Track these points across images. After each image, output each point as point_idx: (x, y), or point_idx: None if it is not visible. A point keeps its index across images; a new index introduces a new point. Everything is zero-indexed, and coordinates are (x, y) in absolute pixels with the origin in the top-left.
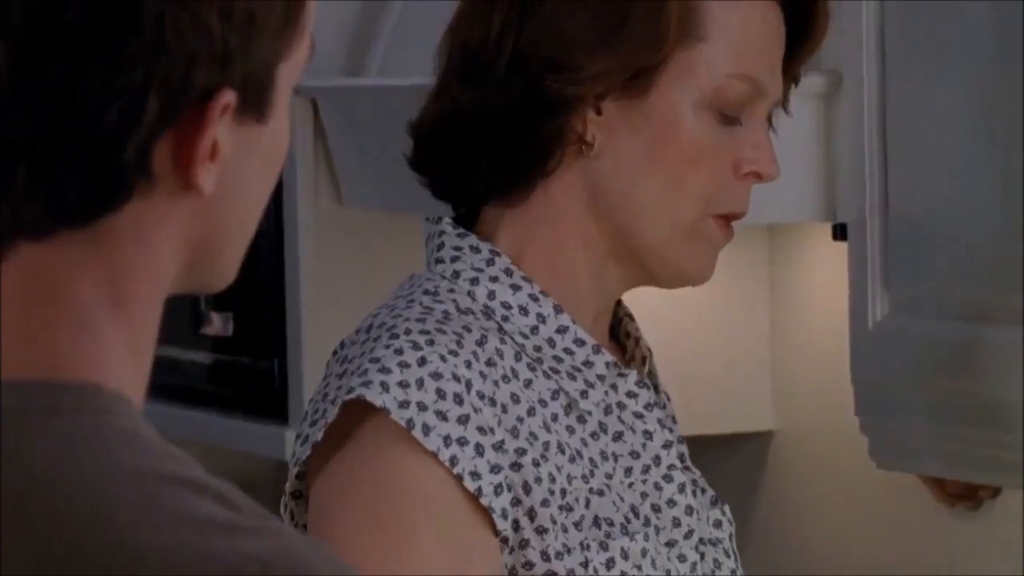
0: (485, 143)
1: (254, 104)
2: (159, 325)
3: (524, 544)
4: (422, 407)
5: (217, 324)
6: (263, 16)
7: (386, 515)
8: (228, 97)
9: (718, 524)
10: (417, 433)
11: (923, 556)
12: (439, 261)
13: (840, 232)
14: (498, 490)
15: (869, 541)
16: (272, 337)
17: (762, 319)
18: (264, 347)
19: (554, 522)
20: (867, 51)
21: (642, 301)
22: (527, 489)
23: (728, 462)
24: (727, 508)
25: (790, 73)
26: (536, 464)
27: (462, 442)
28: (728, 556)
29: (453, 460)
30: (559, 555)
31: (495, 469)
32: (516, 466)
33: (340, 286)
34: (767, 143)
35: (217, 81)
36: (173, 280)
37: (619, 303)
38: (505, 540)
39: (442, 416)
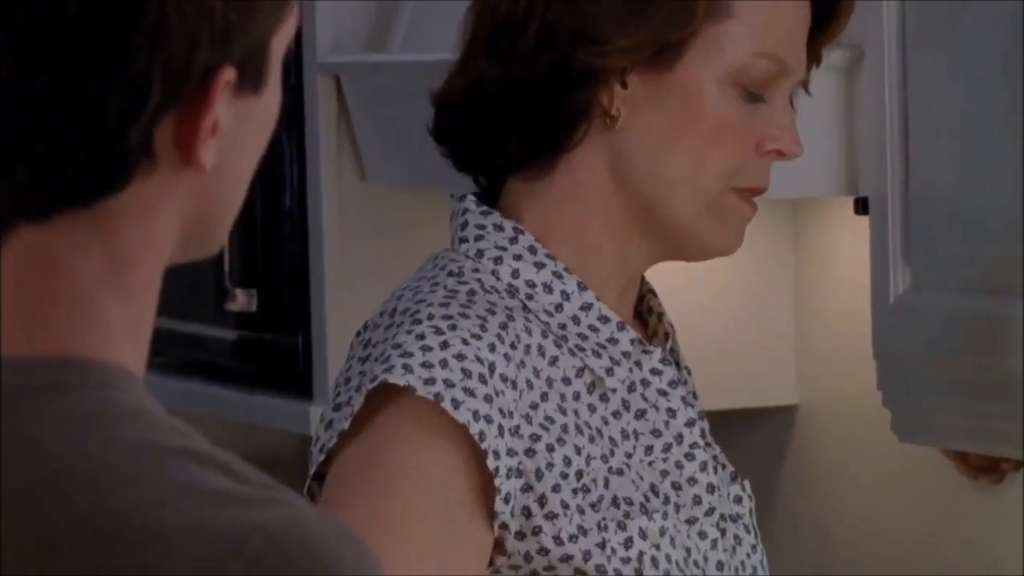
0: (511, 115)
1: (251, 77)
2: (158, 299)
3: (537, 530)
4: (449, 384)
5: (241, 300)
6: None
7: (387, 502)
8: (229, 74)
9: (738, 500)
10: (447, 405)
11: (946, 528)
12: (463, 240)
13: (862, 206)
14: (509, 474)
15: (892, 513)
16: (296, 313)
17: (786, 293)
18: (288, 323)
19: (566, 506)
20: (888, 25)
21: (666, 276)
22: (539, 475)
23: (752, 436)
24: (747, 483)
25: (813, 53)
26: (550, 449)
27: (488, 419)
28: (748, 531)
29: (482, 435)
30: (573, 537)
31: (510, 453)
32: (530, 452)
33: (363, 262)
34: (790, 121)
35: (218, 60)
36: (171, 253)
37: (642, 279)
38: (504, 525)
39: (470, 393)
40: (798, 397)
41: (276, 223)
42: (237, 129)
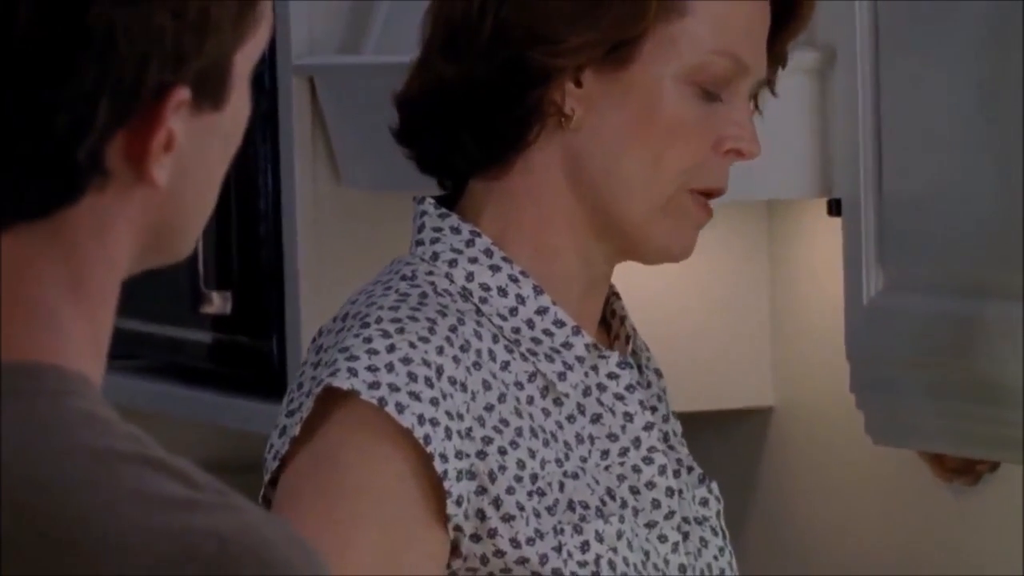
0: (466, 114)
1: (210, 95)
2: (116, 307)
3: (492, 533)
4: (394, 388)
5: (216, 303)
6: (217, 12)
7: (335, 507)
8: (182, 94)
9: (704, 502)
10: (391, 410)
11: (922, 530)
12: (420, 243)
13: (835, 208)
14: (460, 476)
15: (868, 515)
16: (271, 316)
17: (762, 295)
18: (263, 326)
19: (522, 508)
20: (860, 26)
21: (641, 279)
22: (492, 477)
23: (728, 438)
24: (715, 486)
25: (776, 52)
26: (503, 452)
27: (434, 423)
28: (716, 534)
29: (427, 439)
30: (530, 540)
31: (460, 455)
32: (482, 454)
33: (339, 265)
34: (748, 121)
35: (170, 80)
36: (131, 262)
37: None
38: (459, 528)
39: (415, 396)
40: (773, 399)
41: (251, 226)
42: (197, 145)
